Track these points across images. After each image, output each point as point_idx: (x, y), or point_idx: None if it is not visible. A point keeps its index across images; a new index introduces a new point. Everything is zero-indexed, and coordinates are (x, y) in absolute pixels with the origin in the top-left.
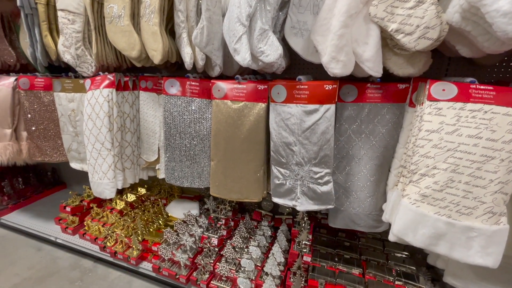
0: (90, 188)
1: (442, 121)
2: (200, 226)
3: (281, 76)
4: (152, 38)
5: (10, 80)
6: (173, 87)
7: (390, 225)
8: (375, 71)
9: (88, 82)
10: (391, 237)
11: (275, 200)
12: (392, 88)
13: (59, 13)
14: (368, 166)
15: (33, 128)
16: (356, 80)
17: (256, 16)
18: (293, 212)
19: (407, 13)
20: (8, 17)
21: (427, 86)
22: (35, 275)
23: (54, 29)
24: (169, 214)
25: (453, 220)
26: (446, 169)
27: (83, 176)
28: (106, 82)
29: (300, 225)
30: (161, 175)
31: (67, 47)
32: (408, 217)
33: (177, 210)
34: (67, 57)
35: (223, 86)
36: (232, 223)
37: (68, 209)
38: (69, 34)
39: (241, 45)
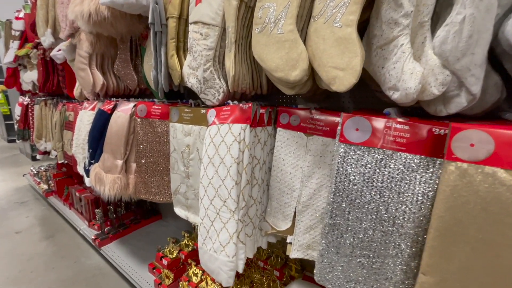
0: (189, 236)
1: None
2: None
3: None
4: (337, 49)
5: (129, 106)
6: (358, 130)
7: None
8: None
9: (212, 112)
10: None
11: None
12: None
13: (191, 27)
14: None
15: (143, 161)
16: None
17: None
18: None
19: None
20: (136, 41)
21: None
22: None
23: (181, 48)
24: None
25: None
26: None
27: None
28: (238, 114)
29: None
30: (293, 253)
31: (194, 69)
32: None
33: None
34: (191, 81)
35: (485, 136)
36: None
37: (164, 262)
38: (198, 52)
39: None
